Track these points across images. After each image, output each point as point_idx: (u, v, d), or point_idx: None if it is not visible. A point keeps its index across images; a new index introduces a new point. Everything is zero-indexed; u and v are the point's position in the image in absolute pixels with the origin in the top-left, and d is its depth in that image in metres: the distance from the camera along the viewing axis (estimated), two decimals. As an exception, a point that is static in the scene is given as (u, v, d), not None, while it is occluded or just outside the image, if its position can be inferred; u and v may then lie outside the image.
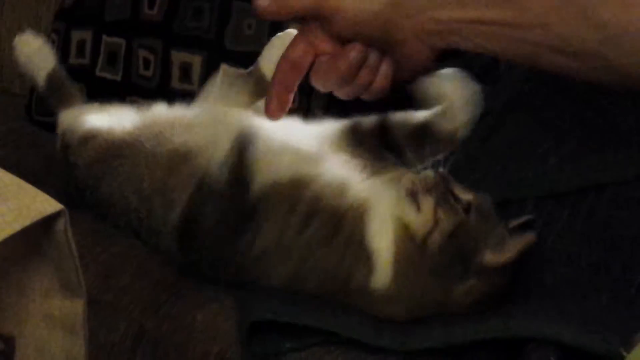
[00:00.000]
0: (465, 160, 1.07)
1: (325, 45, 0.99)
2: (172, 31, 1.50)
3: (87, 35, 1.58)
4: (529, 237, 0.94)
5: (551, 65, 0.90)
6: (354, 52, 0.97)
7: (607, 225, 0.97)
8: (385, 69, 0.99)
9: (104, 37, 1.56)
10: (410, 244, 0.94)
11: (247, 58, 1.46)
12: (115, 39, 1.55)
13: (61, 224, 0.77)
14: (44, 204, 0.75)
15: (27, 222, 0.74)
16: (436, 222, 0.94)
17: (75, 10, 1.60)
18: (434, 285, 0.94)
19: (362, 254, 0.96)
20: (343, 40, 0.98)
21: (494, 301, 0.95)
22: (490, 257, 0.93)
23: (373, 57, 0.98)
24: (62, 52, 1.60)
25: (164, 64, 1.50)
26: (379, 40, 0.97)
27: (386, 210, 0.97)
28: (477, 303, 0.95)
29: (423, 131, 1.08)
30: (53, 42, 1.62)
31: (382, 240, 0.96)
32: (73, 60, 1.59)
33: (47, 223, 0.76)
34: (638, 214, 0.97)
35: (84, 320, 0.81)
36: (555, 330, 0.87)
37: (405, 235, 0.95)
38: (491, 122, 1.10)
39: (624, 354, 0.73)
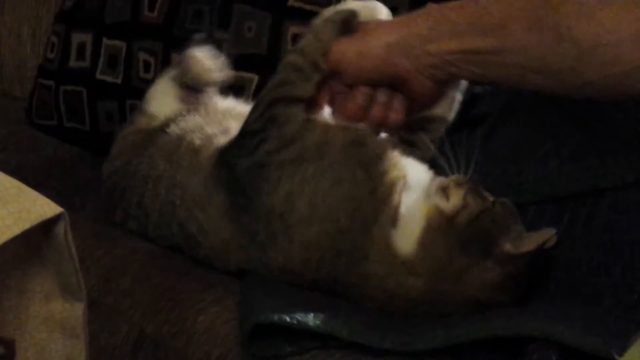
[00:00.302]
0: (466, 163, 1.07)
1: (338, 87, 1.06)
2: (172, 34, 1.50)
3: (87, 37, 1.58)
4: (548, 233, 0.96)
5: (536, 86, 0.96)
6: (359, 95, 1.04)
7: (606, 230, 0.98)
8: (397, 104, 1.05)
9: (105, 39, 1.56)
10: (440, 219, 0.98)
11: (247, 61, 1.46)
12: (115, 42, 1.55)
13: (61, 227, 0.77)
14: (44, 208, 0.75)
15: (27, 225, 0.74)
16: (465, 205, 0.98)
17: (75, 12, 1.60)
18: (455, 260, 0.97)
19: (391, 208, 1.00)
20: (353, 85, 1.05)
21: (507, 297, 0.97)
22: (509, 247, 0.96)
23: (382, 95, 1.04)
24: (62, 54, 1.60)
25: (164, 66, 1.50)
26: (385, 81, 1.03)
27: (420, 193, 1.01)
28: (492, 290, 0.97)
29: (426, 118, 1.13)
30: (53, 44, 1.62)
31: (413, 211, 1.00)
32: (73, 63, 1.59)
33: (47, 226, 0.76)
34: (637, 218, 0.97)
35: (84, 323, 0.81)
36: (558, 331, 0.87)
37: (436, 213, 0.99)
38: (492, 123, 1.11)
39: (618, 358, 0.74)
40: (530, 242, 0.96)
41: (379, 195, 1.00)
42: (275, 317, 0.94)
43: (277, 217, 1.01)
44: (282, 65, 1.06)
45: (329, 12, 1.07)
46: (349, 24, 1.05)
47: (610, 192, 0.99)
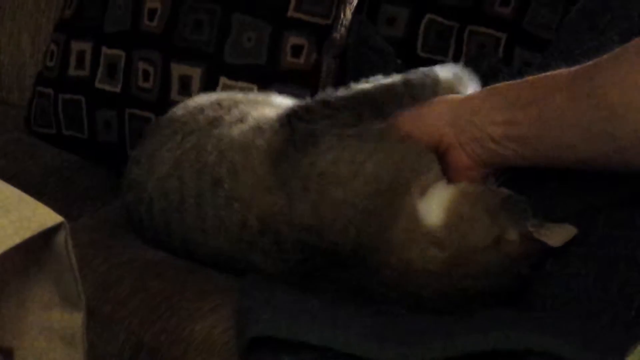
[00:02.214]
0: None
1: None
2: (171, 43, 1.50)
3: (87, 46, 1.58)
4: (572, 229, 0.99)
5: (572, 160, 0.98)
6: None
7: (602, 246, 0.98)
8: None
9: (104, 48, 1.56)
10: (473, 189, 1.03)
11: (246, 71, 1.46)
12: (115, 51, 1.55)
13: (61, 237, 0.77)
14: (45, 217, 0.76)
15: (27, 234, 0.74)
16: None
17: (75, 21, 1.61)
18: (484, 225, 1.00)
19: (424, 180, 1.04)
20: None
21: (526, 270, 1.01)
22: (534, 228, 0.99)
23: None
24: (62, 63, 1.60)
25: (163, 76, 1.50)
26: (429, 146, 1.05)
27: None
28: (511, 263, 1.00)
29: None
30: (52, 52, 1.62)
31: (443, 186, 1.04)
32: (72, 71, 1.59)
33: (47, 235, 0.76)
34: (633, 234, 0.97)
35: (83, 332, 0.81)
36: (556, 344, 0.87)
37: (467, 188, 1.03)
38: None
39: None
40: (558, 231, 0.99)
41: (417, 168, 1.04)
42: (272, 331, 0.94)
43: (316, 175, 1.03)
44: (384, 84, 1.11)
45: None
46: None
47: (605, 209, 1.00)
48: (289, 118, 1.10)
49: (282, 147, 1.07)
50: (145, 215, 1.16)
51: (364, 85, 1.11)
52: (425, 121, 1.05)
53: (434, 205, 1.02)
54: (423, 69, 1.13)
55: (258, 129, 1.11)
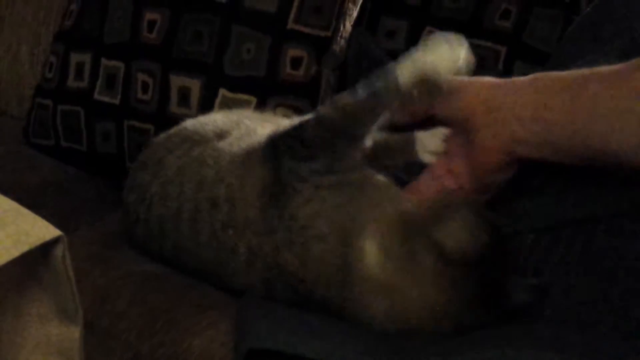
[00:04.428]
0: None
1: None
2: (171, 55, 1.51)
3: (86, 57, 1.58)
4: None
5: (597, 154, 0.95)
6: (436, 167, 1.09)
7: (603, 256, 0.98)
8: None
9: (103, 59, 1.56)
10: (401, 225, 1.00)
11: (245, 83, 1.46)
12: (114, 62, 1.55)
13: (59, 250, 0.77)
14: (43, 230, 0.75)
15: (25, 248, 0.74)
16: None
17: (74, 32, 1.61)
18: (417, 240, 0.97)
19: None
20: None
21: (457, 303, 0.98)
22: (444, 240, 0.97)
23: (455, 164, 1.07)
24: (61, 74, 1.60)
25: (162, 87, 1.50)
26: (457, 124, 1.05)
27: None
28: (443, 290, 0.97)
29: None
30: (51, 63, 1.62)
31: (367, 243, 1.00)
32: (71, 83, 1.59)
33: (45, 249, 0.76)
34: (632, 244, 0.97)
35: (80, 346, 0.81)
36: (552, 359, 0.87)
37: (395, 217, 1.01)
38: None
39: None
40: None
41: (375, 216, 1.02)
42: (269, 343, 0.93)
43: (298, 228, 1.02)
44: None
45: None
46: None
47: (606, 219, 1.00)
48: (275, 152, 1.07)
49: (273, 188, 1.05)
50: (142, 217, 1.15)
51: (328, 110, 1.05)
52: (461, 98, 1.04)
53: (370, 255, 0.99)
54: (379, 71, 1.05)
55: (249, 157, 1.09)
